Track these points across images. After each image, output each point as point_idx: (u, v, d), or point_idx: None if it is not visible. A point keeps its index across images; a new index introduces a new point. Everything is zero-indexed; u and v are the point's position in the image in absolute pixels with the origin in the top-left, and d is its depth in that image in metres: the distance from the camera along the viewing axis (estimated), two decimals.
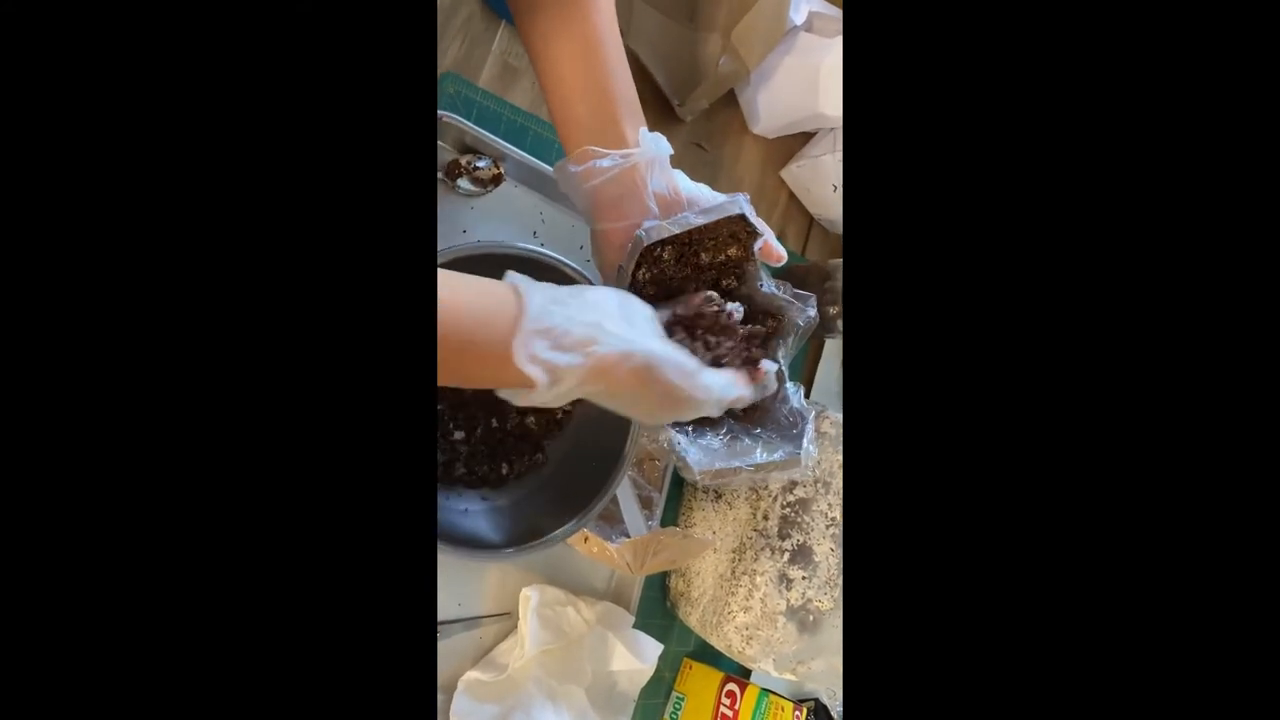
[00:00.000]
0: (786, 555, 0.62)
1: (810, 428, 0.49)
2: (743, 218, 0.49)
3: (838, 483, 0.62)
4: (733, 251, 0.51)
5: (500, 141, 0.60)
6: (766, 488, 0.64)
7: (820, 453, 0.63)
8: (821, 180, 0.75)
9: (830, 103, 0.70)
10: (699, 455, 0.49)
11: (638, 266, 0.47)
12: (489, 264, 0.54)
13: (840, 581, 0.60)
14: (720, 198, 0.49)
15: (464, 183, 0.60)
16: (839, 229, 0.80)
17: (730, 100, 0.74)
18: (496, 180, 0.61)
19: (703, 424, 0.52)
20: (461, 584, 0.59)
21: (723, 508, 0.67)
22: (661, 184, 0.48)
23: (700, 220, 0.47)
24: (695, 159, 0.72)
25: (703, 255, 0.50)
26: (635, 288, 0.48)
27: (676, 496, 0.70)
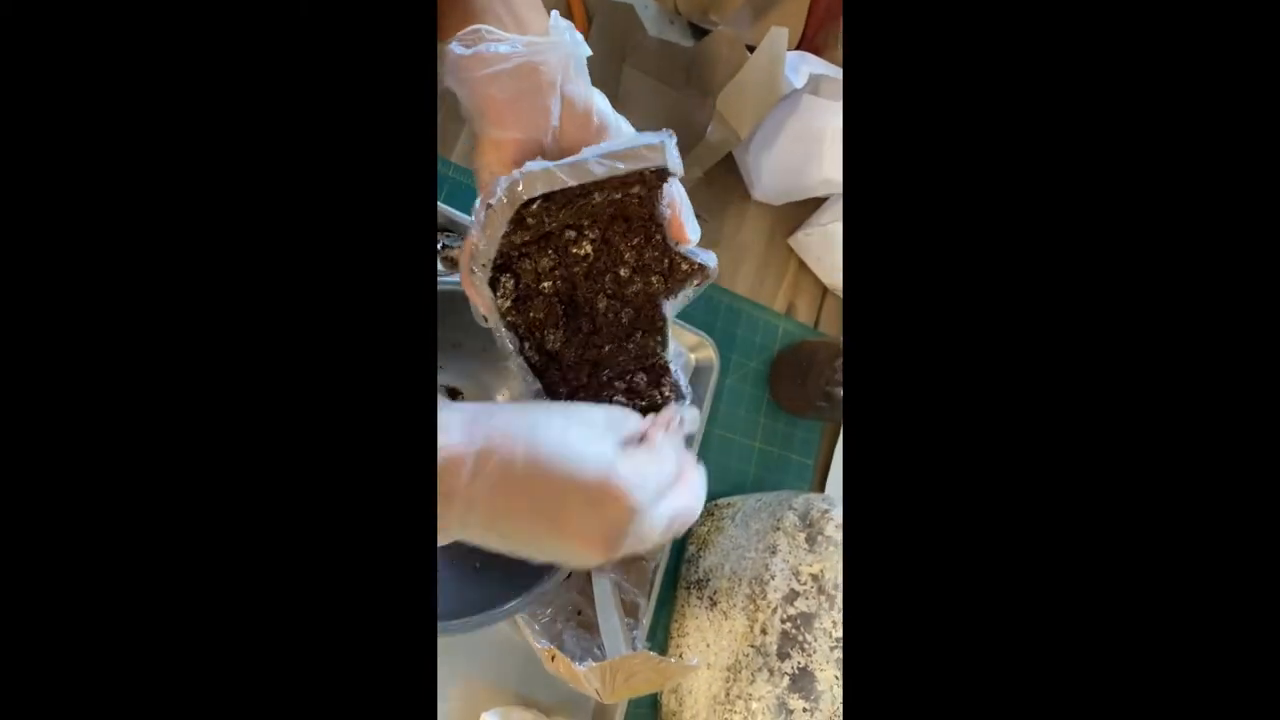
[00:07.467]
0: (786, 680, 0.54)
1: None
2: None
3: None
4: (636, 190, 0.37)
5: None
6: (765, 597, 0.57)
7: (825, 559, 0.56)
8: (833, 248, 0.69)
9: (838, 167, 0.65)
10: None
11: (516, 222, 0.35)
12: (458, 300, 0.49)
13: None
14: (637, 138, 0.36)
15: None
16: None
17: (730, 166, 0.69)
18: None
19: None
20: None
21: (717, 617, 0.59)
22: (575, 92, 0.37)
23: (603, 171, 0.34)
24: None
25: (596, 196, 0.36)
26: (514, 250, 0.37)
27: (668, 601, 0.63)
